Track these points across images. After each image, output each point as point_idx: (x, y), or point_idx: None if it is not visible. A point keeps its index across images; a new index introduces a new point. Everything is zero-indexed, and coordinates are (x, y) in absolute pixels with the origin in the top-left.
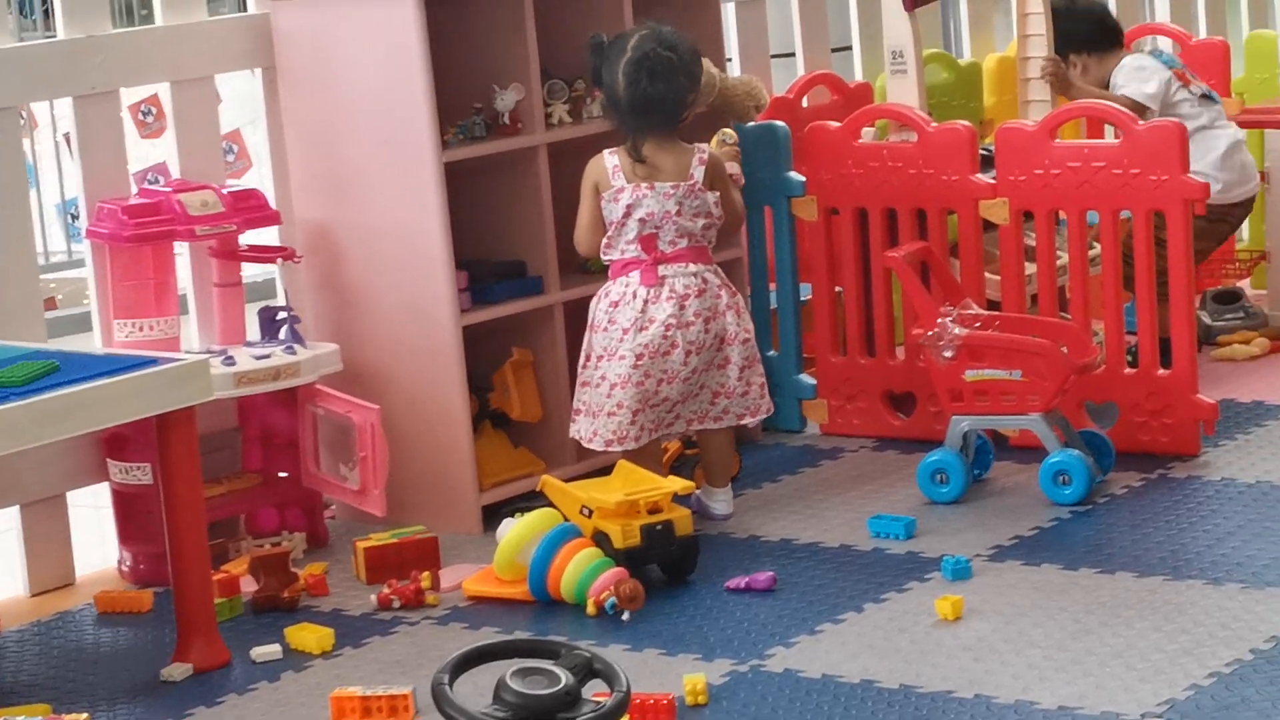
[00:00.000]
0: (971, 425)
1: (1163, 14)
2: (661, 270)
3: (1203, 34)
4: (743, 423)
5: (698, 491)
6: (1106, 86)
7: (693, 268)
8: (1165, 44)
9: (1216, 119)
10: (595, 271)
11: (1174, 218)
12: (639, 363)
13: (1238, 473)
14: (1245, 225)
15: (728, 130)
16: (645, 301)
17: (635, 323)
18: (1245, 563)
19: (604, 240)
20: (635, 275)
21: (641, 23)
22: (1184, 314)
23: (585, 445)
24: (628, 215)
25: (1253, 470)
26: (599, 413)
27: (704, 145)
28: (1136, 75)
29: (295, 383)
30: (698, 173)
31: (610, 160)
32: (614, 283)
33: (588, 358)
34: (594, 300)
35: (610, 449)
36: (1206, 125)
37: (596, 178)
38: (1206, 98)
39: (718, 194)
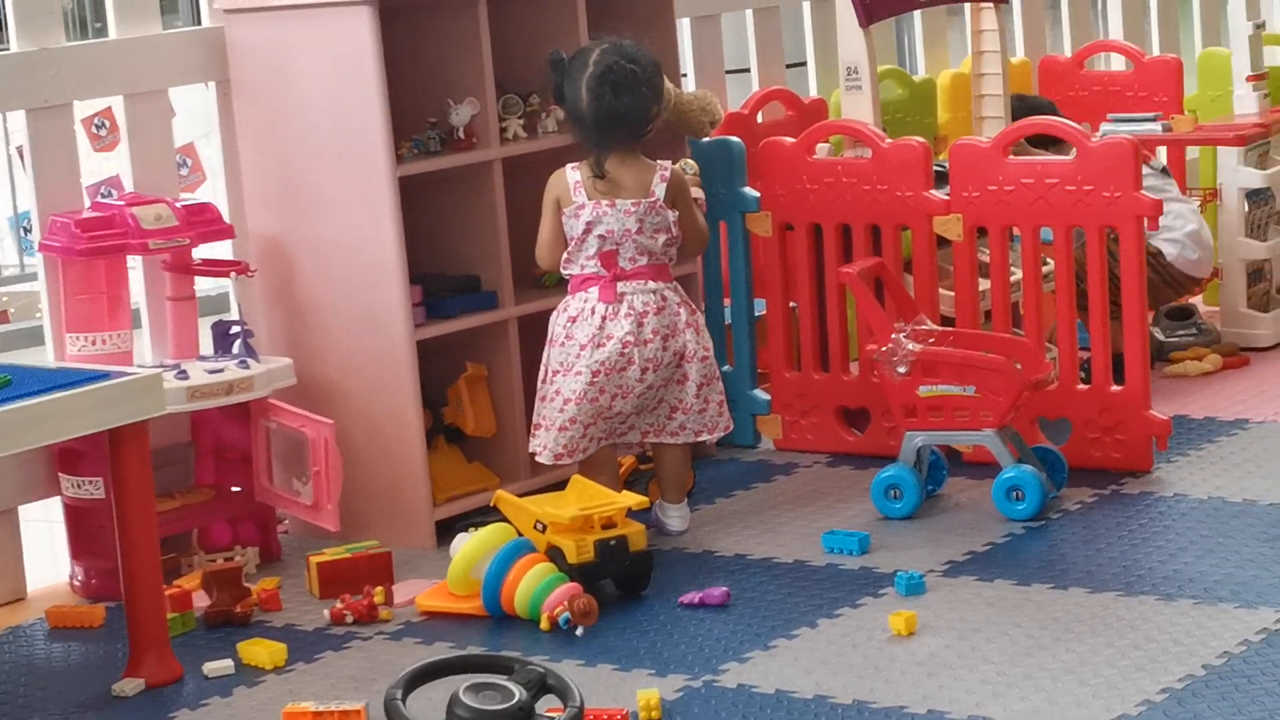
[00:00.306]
0: (925, 441)
1: (1116, 31)
2: (621, 287)
3: (1155, 51)
4: (699, 439)
5: (653, 506)
6: None
7: (652, 285)
8: (1119, 62)
9: (1176, 193)
10: (549, 286)
11: (1126, 234)
12: (595, 379)
13: (1190, 488)
14: None
15: (689, 160)
16: (603, 318)
17: (593, 339)
18: (1198, 579)
19: (564, 255)
20: (594, 291)
21: (601, 37)
22: (1137, 330)
23: (536, 459)
24: (588, 232)
25: (1205, 486)
26: (551, 427)
27: (666, 162)
28: None
29: (248, 397)
30: (659, 190)
31: (572, 175)
32: (573, 298)
33: (545, 372)
34: (553, 315)
35: (560, 462)
36: (1175, 198)
37: (558, 193)
38: (1164, 172)
39: (678, 212)
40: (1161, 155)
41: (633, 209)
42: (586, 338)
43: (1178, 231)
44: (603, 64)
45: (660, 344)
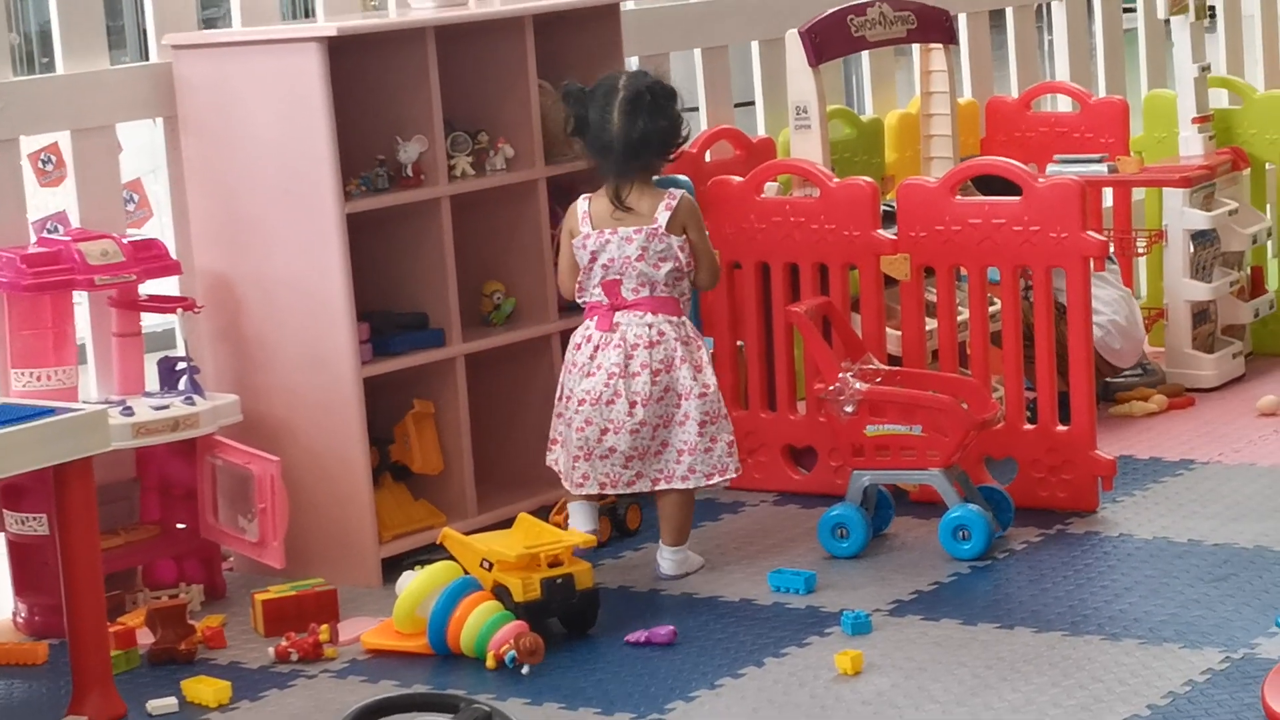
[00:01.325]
0: (872, 480)
1: (1062, 73)
2: (617, 317)
3: (1102, 93)
4: (711, 483)
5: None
6: None
7: (649, 318)
8: (1065, 103)
9: (1116, 282)
10: (498, 324)
11: (1073, 275)
12: (580, 408)
13: (1135, 528)
14: (1143, 283)
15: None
16: (596, 347)
17: (582, 368)
18: (1143, 618)
19: (578, 283)
20: (594, 320)
21: (620, 70)
22: (1082, 370)
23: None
24: (593, 260)
25: (1150, 526)
26: (590, 456)
27: (677, 190)
28: None
29: (194, 434)
30: (662, 217)
31: (581, 205)
32: (581, 325)
33: (561, 390)
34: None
35: (605, 490)
36: (1114, 285)
37: (571, 224)
38: (1111, 259)
39: (684, 238)
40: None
41: (634, 236)
42: (578, 366)
43: (1104, 317)
44: (634, 88)
45: (649, 378)
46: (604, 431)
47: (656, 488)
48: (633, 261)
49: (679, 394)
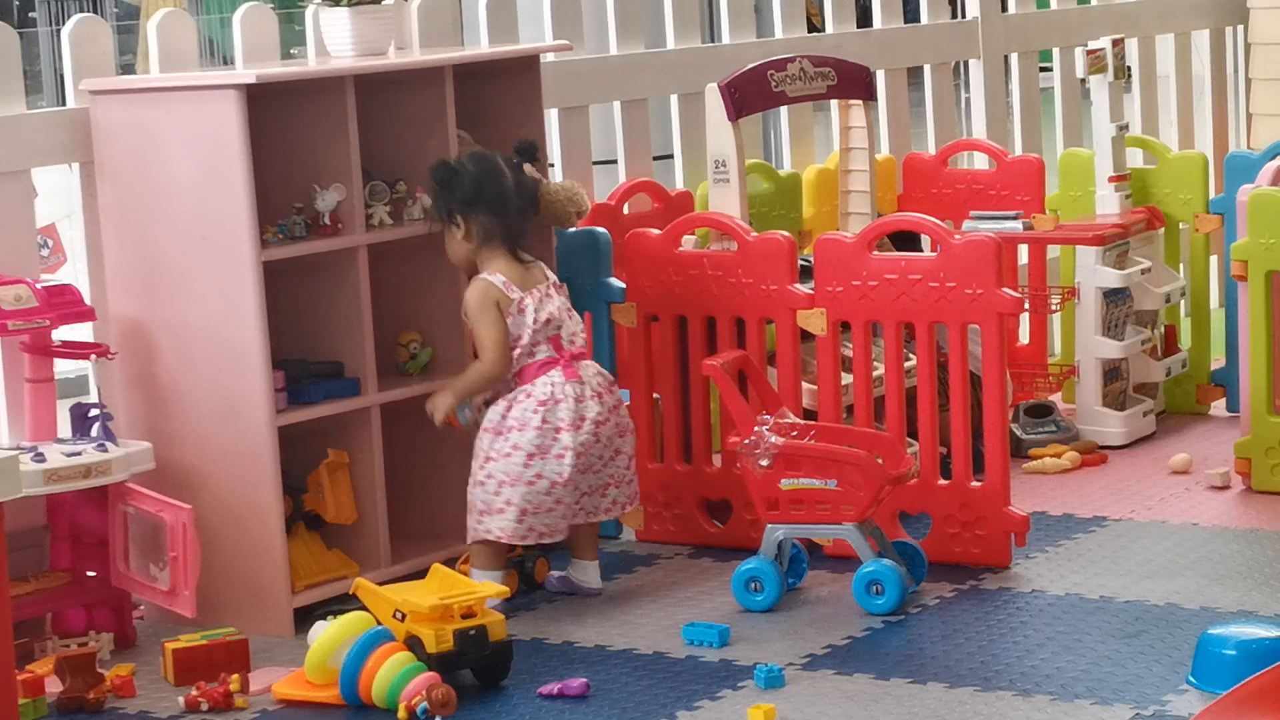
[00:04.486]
0: (786, 534)
1: (979, 130)
2: (576, 366)
3: (1018, 150)
4: (626, 510)
5: (565, 572)
6: None
7: (593, 365)
8: (982, 160)
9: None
10: (414, 374)
11: (988, 331)
12: (578, 460)
13: (1048, 584)
14: (1056, 339)
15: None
16: (575, 399)
17: (572, 422)
18: (1055, 674)
19: (515, 353)
20: (556, 373)
21: (464, 152)
22: (996, 426)
23: (520, 543)
24: (536, 321)
25: (1062, 583)
26: (539, 510)
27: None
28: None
29: (106, 481)
30: (550, 275)
31: (497, 279)
32: (533, 385)
33: (511, 456)
34: (503, 406)
35: (543, 540)
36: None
37: (495, 298)
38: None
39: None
40: None
41: (554, 291)
42: (567, 421)
43: None
44: (496, 156)
45: (615, 420)
46: (583, 472)
47: (591, 519)
48: (565, 312)
49: (619, 433)
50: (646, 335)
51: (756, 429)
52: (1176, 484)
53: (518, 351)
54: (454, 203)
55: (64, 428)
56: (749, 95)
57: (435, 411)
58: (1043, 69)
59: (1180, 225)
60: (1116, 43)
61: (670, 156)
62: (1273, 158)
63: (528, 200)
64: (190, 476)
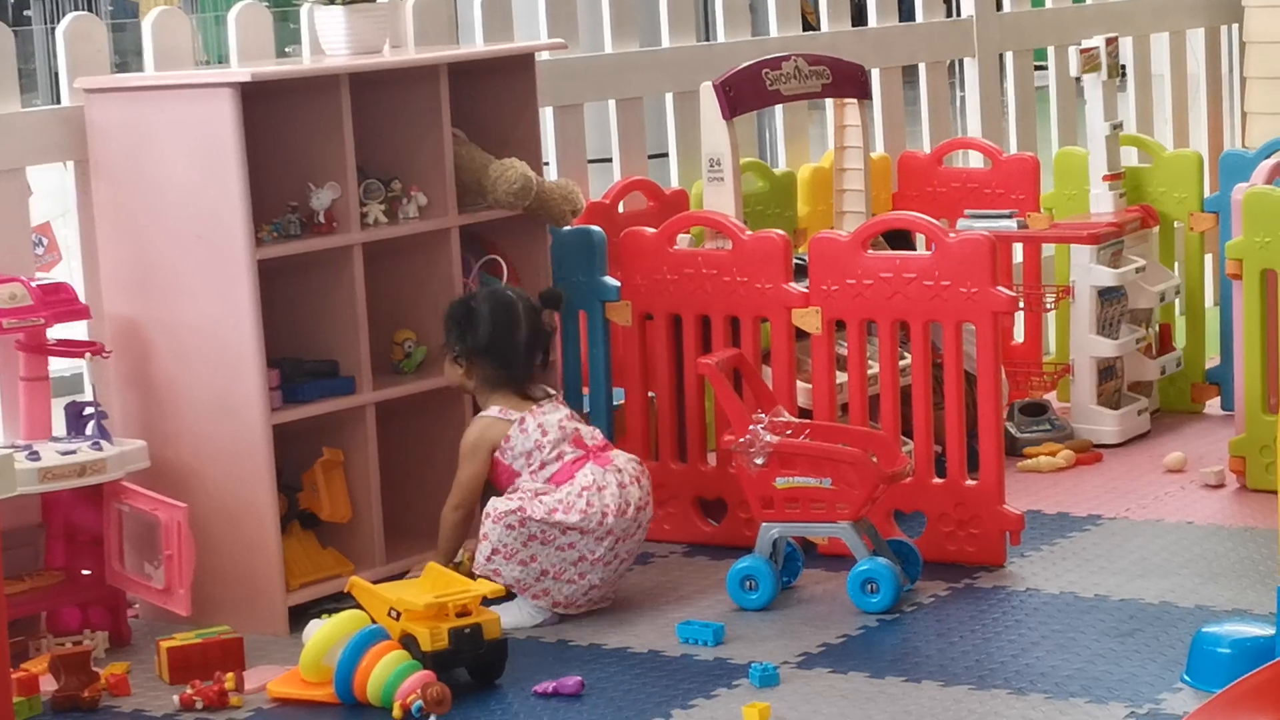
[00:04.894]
0: (781, 532)
1: (974, 129)
2: (608, 455)
3: (1013, 149)
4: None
5: None
6: None
7: (624, 453)
8: (977, 159)
9: None
10: (408, 372)
11: (983, 329)
12: (615, 546)
13: (1042, 583)
14: (1051, 337)
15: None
16: (617, 485)
17: (618, 508)
18: (1049, 673)
19: (530, 470)
20: (591, 466)
21: (483, 292)
22: (991, 425)
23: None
24: (544, 432)
25: (1057, 581)
26: (560, 577)
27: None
28: None
29: (101, 479)
30: (554, 391)
31: (493, 411)
32: (572, 481)
33: (549, 533)
34: (545, 501)
35: (555, 610)
36: None
37: (493, 438)
38: None
39: None
40: None
41: (558, 404)
42: (613, 507)
43: None
44: (517, 302)
45: (650, 506)
46: (617, 559)
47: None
48: (572, 418)
49: (646, 525)
50: (641, 334)
51: (751, 428)
52: (1171, 482)
53: (538, 464)
54: (461, 343)
55: (59, 426)
56: (744, 94)
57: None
58: (1038, 67)
59: (1175, 224)
60: (1110, 41)
61: (665, 155)
62: (1267, 156)
63: (540, 348)
64: (185, 475)
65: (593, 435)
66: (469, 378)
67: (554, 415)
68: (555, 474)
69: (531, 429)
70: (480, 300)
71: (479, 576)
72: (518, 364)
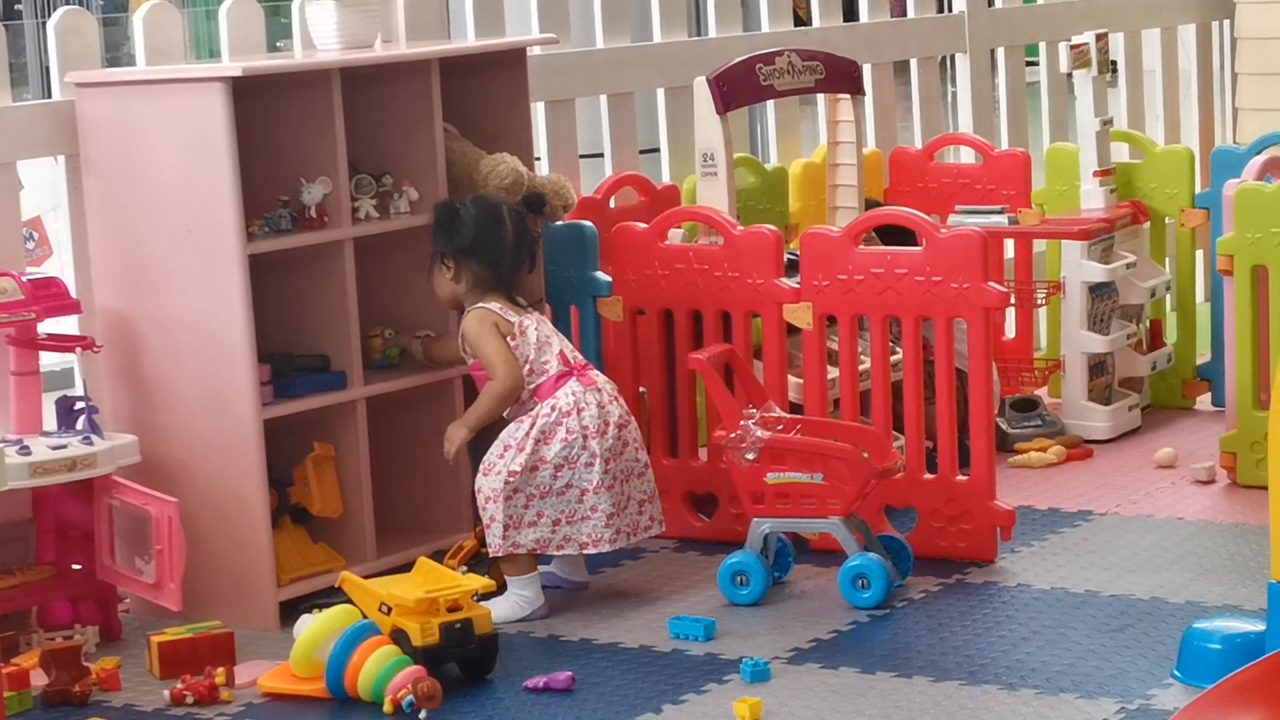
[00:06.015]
0: (772, 527)
1: (966, 125)
2: (590, 374)
3: (1004, 145)
4: (660, 531)
5: (551, 566)
6: None
7: (601, 374)
8: (968, 155)
9: None
10: (395, 364)
11: (974, 325)
12: (608, 467)
13: (1033, 579)
14: (1042, 333)
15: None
16: (596, 405)
17: (598, 428)
18: (1040, 668)
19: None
20: (573, 383)
21: (467, 195)
22: (982, 421)
23: (584, 551)
24: (538, 341)
25: (1048, 577)
26: (573, 519)
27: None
28: None
29: (92, 474)
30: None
31: (493, 305)
32: (555, 397)
33: (540, 469)
34: (527, 423)
35: (586, 551)
36: None
37: (494, 321)
38: None
39: None
40: None
41: (543, 319)
42: (593, 427)
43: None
44: (501, 204)
45: (633, 424)
46: (622, 481)
47: (631, 541)
48: (559, 334)
49: (639, 445)
50: (632, 329)
51: (742, 423)
52: (1162, 478)
53: (528, 370)
54: (448, 245)
55: (49, 421)
56: (738, 89)
57: (449, 445)
58: (1029, 63)
59: (1166, 220)
60: (1100, 37)
61: (656, 150)
62: (1258, 152)
63: (525, 253)
64: (176, 470)
65: (574, 353)
66: (458, 281)
67: (545, 326)
68: (539, 387)
69: (531, 333)
70: (465, 203)
71: (499, 558)
72: (504, 264)
